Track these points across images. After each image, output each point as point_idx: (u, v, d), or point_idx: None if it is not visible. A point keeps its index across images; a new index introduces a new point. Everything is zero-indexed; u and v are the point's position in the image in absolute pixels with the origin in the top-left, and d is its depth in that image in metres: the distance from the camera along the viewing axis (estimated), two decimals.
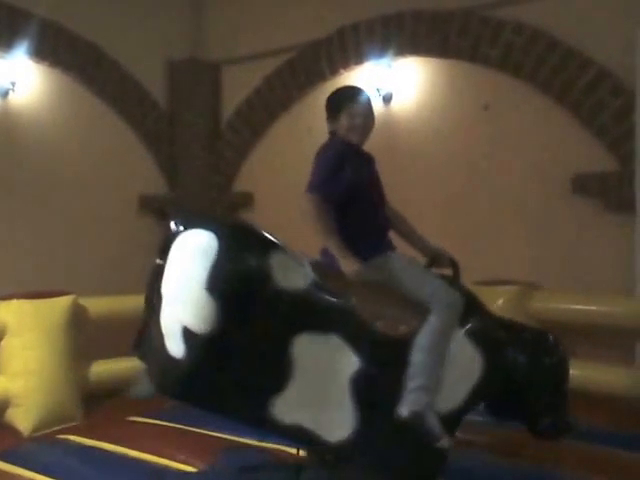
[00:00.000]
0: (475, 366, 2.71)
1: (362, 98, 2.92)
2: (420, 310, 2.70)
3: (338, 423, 2.64)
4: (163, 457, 3.46)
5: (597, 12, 4.66)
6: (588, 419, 3.94)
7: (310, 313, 2.59)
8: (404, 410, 2.58)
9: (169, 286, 2.53)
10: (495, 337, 2.80)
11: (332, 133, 2.91)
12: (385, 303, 2.73)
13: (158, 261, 2.61)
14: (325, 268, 2.71)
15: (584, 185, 4.69)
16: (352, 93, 2.94)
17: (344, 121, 2.86)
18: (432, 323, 2.64)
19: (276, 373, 2.55)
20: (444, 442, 2.59)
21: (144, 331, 2.71)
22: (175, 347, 2.47)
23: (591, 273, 4.64)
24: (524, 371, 2.79)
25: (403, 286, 2.74)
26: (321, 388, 2.61)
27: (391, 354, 2.67)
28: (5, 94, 5.15)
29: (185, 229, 2.56)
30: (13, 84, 5.16)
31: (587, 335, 4.53)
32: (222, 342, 2.46)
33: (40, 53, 5.32)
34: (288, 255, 2.59)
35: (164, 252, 2.59)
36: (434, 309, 2.66)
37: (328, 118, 2.92)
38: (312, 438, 2.64)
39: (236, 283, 2.47)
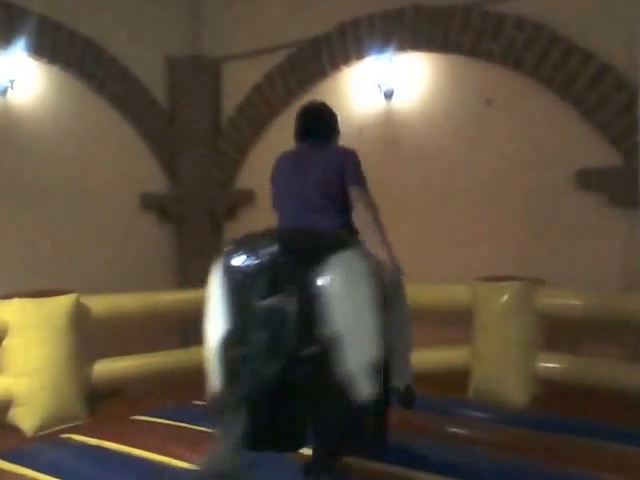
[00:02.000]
0: None
1: None
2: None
3: None
4: (166, 455, 3.45)
5: (599, 6, 4.65)
6: (595, 416, 3.95)
7: None
8: (402, 384, 2.85)
9: (344, 324, 2.13)
10: None
11: (327, 140, 3.07)
12: None
13: (275, 301, 2.08)
14: None
15: (588, 180, 4.68)
16: None
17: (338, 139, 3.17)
18: (404, 304, 2.92)
19: None
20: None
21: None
22: (362, 391, 2.19)
23: (596, 268, 4.62)
24: None
25: None
26: None
27: None
28: (4, 92, 5.11)
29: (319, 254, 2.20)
30: (12, 82, 5.12)
31: (592, 331, 4.53)
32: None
33: (39, 50, 5.27)
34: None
35: (280, 284, 2.11)
36: (399, 292, 2.90)
37: (334, 132, 3.13)
38: None
39: (380, 290, 2.38)
